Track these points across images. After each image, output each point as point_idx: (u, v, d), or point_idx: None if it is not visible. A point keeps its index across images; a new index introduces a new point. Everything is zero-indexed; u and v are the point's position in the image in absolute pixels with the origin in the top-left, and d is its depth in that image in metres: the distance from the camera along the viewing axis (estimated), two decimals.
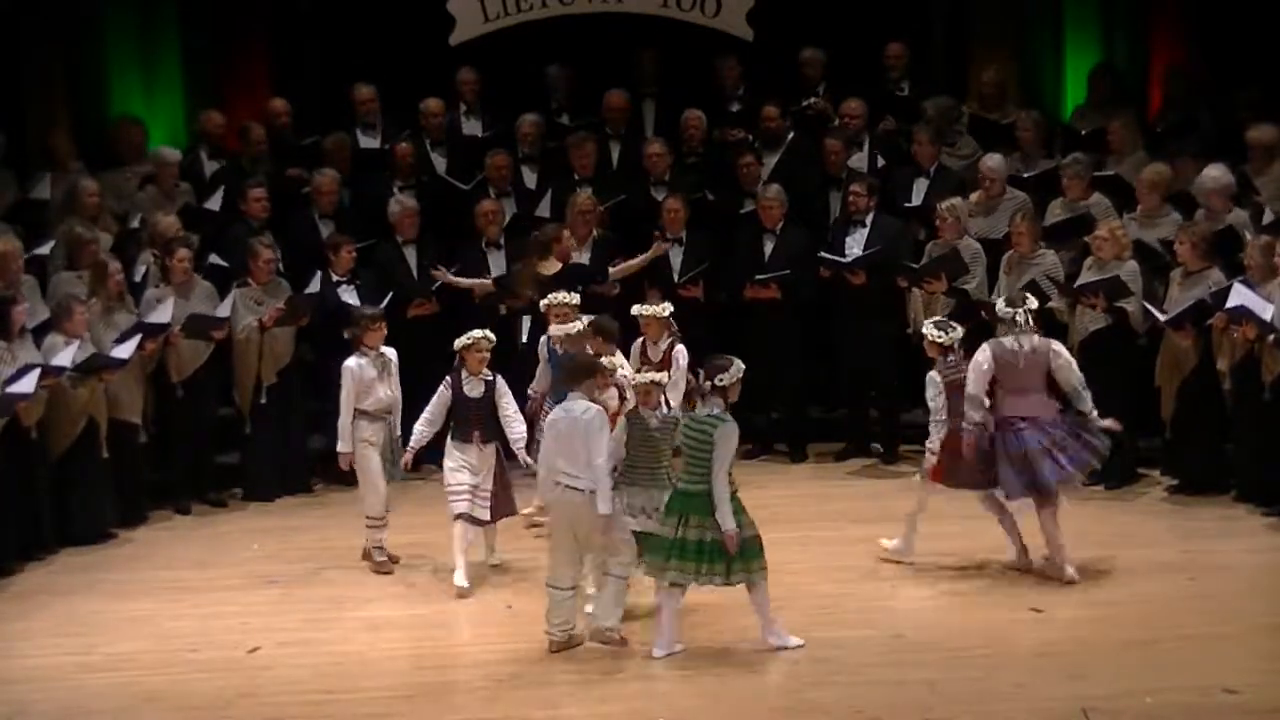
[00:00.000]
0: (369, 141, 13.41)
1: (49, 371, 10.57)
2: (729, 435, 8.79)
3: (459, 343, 10.02)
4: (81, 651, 9.30)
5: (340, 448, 10.40)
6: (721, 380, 8.86)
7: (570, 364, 9.53)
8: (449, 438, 10.03)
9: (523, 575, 10.18)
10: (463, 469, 9.97)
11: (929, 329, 10.22)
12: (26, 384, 10.37)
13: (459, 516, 9.95)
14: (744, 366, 8.94)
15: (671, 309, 10.81)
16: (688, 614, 9.26)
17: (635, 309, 10.82)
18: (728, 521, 8.75)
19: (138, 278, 11.91)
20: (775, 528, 10.31)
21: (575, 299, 10.80)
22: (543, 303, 10.92)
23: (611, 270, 12.37)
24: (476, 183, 13.08)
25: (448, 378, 10.02)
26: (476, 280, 12.33)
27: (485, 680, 8.77)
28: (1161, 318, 11.25)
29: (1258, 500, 11.09)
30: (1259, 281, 10.95)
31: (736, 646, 9.07)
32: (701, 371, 8.96)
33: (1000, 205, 12.39)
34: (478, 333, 10.06)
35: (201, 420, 11.91)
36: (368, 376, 10.32)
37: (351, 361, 10.37)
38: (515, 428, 10.12)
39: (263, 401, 11.93)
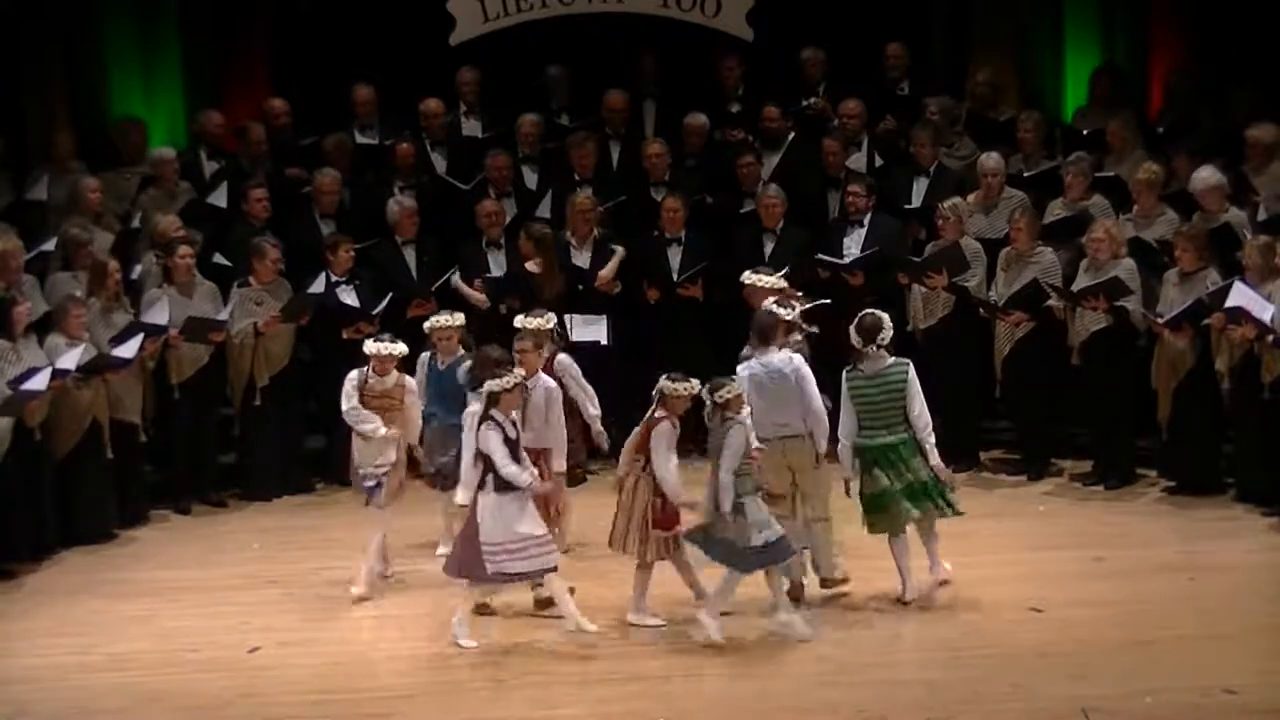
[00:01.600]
0: (367, 139, 13.42)
1: (57, 374, 10.58)
2: (915, 375, 9.53)
3: (496, 385, 9.11)
4: (81, 651, 9.31)
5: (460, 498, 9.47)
6: (883, 339, 9.53)
7: (758, 321, 9.65)
8: (491, 491, 9.09)
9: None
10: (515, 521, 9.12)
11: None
12: (38, 381, 10.39)
13: (515, 576, 9.13)
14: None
15: (555, 321, 10.54)
16: (685, 612, 9.28)
17: (517, 321, 10.39)
18: (936, 455, 9.52)
19: (134, 275, 11.90)
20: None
21: (459, 320, 10.59)
22: (426, 325, 10.62)
23: (600, 274, 12.39)
24: (477, 183, 13.08)
25: (490, 422, 9.07)
26: (472, 294, 12.34)
27: (485, 680, 8.77)
28: (1158, 321, 11.25)
29: (1257, 500, 11.09)
30: (1258, 282, 10.95)
31: (737, 645, 9.08)
32: (861, 335, 9.55)
33: (1000, 204, 12.40)
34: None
35: (201, 420, 11.91)
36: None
37: (475, 407, 9.47)
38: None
39: (256, 403, 11.93)
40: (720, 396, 9.10)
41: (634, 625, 9.34)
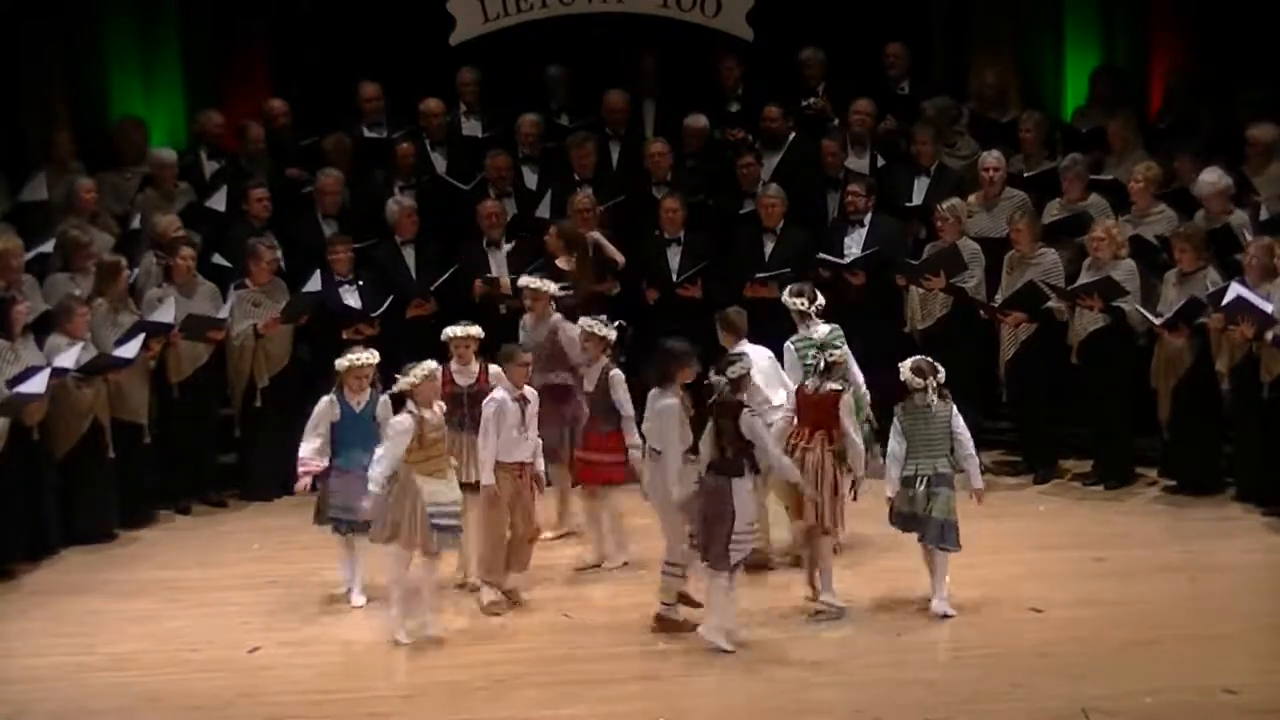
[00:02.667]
0: (375, 134, 13.42)
1: (56, 373, 10.58)
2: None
3: (740, 369, 9.11)
4: (81, 651, 9.31)
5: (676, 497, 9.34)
6: (821, 305, 10.22)
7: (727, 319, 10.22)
8: (749, 473, 9.10)
9: (524, 580, 10.16)
10: None
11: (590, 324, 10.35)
12: (37, 383, 10.38)
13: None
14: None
15: (481, 335, 10.09)
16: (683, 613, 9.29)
17: (446, 332, 10.09)
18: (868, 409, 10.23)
19: (132, 279, 11.90)
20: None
21: (374, 357, 9.88)
22: (341, 363, 9.83)
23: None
24: (476, 183, 13.08)
25: (751, 410, 9.12)
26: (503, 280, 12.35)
27: (485, 680, 8.77)
28: (1156, 321, 11.26)
29: (1257, 500, 11.10)
30: (1258, 282, 10.95)
31: (737, 645, 9.06)
32: (802, 298, 10.17)
33: (1000, 204, 12.40)
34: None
35: (201, 420, 11.91)
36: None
37: (670, 401, 9.33)
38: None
39: (256, 405, 11.93)
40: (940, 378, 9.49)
41: (826, 606, 9.44)
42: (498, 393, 9.73)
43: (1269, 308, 10.73)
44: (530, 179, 13.24)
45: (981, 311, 11.90)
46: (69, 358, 10.74)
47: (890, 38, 13.74)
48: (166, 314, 11.50)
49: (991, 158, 12.45)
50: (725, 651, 8.93)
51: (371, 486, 9.23)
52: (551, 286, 10.94)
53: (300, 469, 9.88)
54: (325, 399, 9.84)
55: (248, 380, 11.94)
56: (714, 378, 9.18)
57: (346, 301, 12.12)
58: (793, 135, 13.25)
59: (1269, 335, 10.73)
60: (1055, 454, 12.10)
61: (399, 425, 9.25)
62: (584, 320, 10.44)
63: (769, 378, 9.88)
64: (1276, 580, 10.02)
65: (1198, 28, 13.87)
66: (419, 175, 13.11)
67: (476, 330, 10.07)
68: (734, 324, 10.16)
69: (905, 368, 9.60)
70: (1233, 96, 12.93)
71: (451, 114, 13.53)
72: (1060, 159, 12.67)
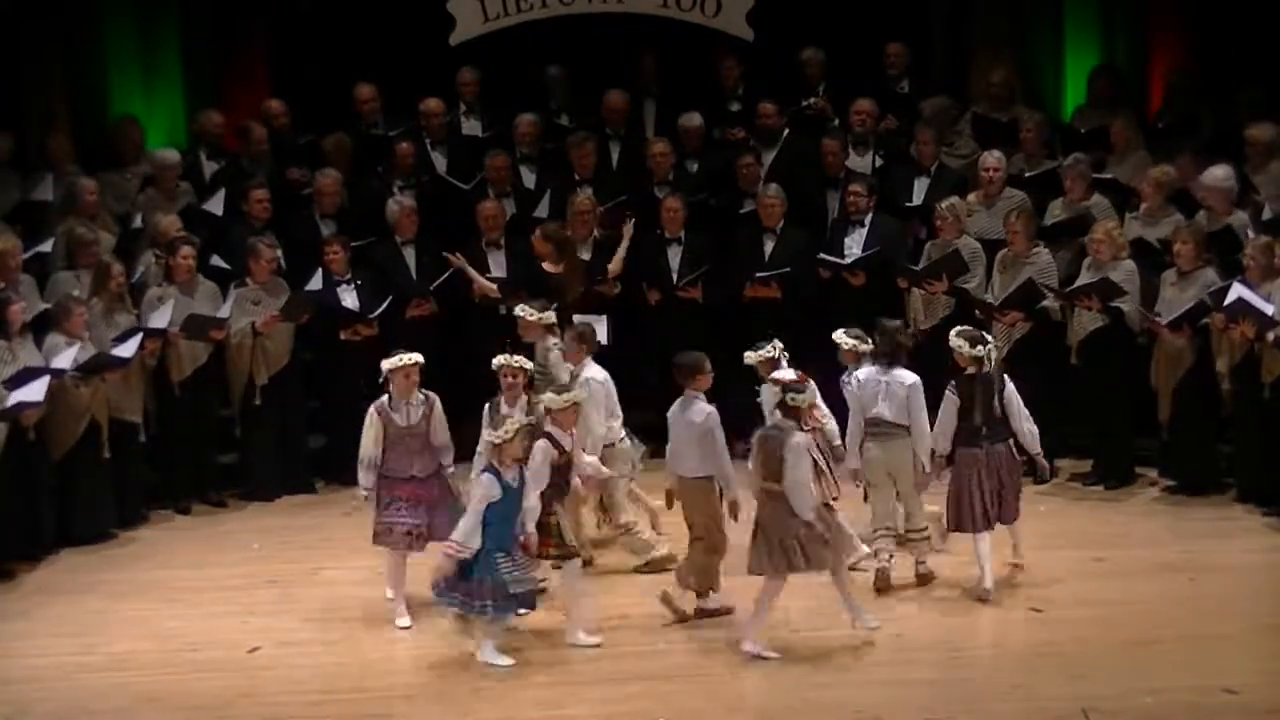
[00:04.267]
0: (376, 133, 13.43)
1: (53, 374, 10.56)
2: None
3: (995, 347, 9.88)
4: (81, 651, 9.32)
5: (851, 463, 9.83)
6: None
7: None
8: None
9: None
10: None
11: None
12: (35, 391, 10.35)
13: None
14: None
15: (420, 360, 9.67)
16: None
17: (385, 364, 9.60)
18: None
19: (135, 277, 11.90)
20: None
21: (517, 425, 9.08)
22: (494, 437, 9.04)
23: (610, 268, 12.40)
24: (476, 183, 13.08)
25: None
26: (483, 280, 12.28)
27: (485, 680, 8.78)
28: (1160, 322, 11.25)
29: (1257, 500, 11.09)
30: (1258, 281, 10.95)
31: (736, 646, 9.07)
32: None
33: (1000, 204, 12.40)
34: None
35: (201, 420, 11.91)
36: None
37: (915, 377, 9.69)
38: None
39: (256, 403, 11.93)
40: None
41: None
42: (705, 406, 9.40)
43: (1270, 309, 10.73)
44: (529, 179, 13.24)
45: (979, 312, 11.89)
46: (66, 358, 10.74)
47: (890, 38, 13.75)
48: (163, 318, 11.49)
49: (992, 158, 12.46)
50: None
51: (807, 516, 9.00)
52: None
53: (452, 551, 8.84)
54: (486, 477, 8.88)
55: (247, 378, 11.94)
56: (969, 351, 9.60)
57: (344, 301, 12.12)
58: (786, 132, 13.24)
59: (1270, 336, 10.73)
60: (1055, 454, 12.08)
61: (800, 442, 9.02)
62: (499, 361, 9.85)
63: (600, 404, 9.85)
64: (1276, 580, 10.02)
65: (1198, 28, 13.87)
66: (419, 175, 13.11)
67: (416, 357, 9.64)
68: (587, 338, 10.21)
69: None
70: (1233, 96, 12.94)
71: (451, 114, 13.53)
72: (1061, 159, 12.68)
